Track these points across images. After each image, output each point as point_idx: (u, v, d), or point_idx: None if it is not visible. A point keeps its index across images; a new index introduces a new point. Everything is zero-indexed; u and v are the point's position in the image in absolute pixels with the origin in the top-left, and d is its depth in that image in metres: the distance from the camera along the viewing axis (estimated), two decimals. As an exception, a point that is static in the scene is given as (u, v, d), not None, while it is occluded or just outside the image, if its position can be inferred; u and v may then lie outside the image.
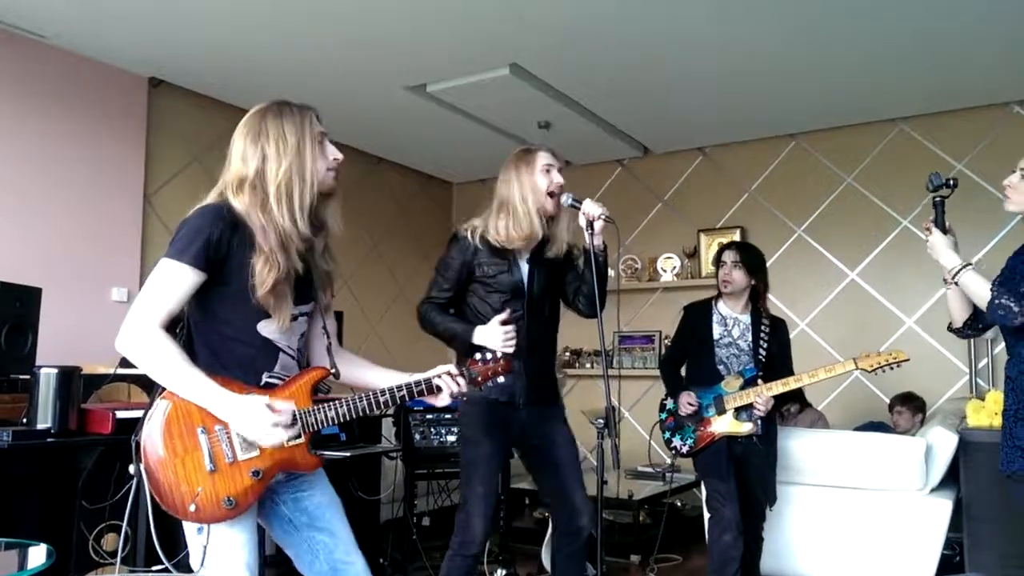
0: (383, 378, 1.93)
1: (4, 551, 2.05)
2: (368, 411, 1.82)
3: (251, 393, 1.72)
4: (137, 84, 4.27)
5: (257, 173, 1.76)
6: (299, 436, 1.75)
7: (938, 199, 2.42)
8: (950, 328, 2.53)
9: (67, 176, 3.93)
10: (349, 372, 1.97)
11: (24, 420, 2.62)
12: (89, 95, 4.04)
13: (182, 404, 1.68)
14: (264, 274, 1.70)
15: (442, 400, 1.89)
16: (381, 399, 1.83)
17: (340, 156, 1.88)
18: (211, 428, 1.68)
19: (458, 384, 1.88)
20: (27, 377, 2.71)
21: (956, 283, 2.35)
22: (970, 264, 2.32)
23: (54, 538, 2.34)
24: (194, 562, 1.71)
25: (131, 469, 1.71)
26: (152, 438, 1.68)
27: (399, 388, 1.85)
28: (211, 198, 1.79)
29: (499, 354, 1.98)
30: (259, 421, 1.67)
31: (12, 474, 2.58)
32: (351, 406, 1.80)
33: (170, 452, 1.66)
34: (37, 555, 1.88)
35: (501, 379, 1.98)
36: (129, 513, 1.78)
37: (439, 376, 1.88)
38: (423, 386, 1.87)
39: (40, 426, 2.57)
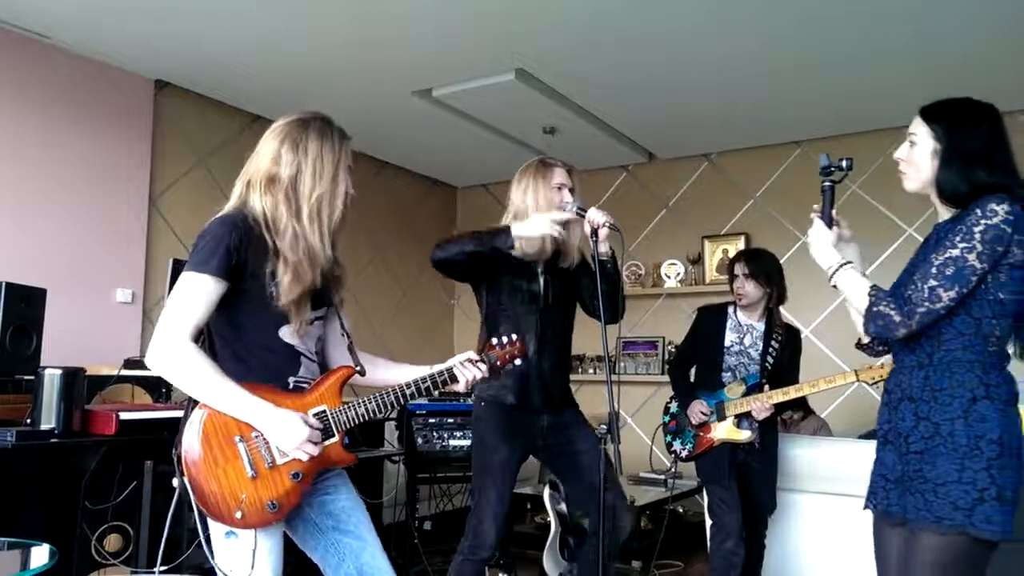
0: (402, 374, 1.97)
1: (7, 551, 2.06)
2: (396, 405, 1.87)
3: (281, 396, 1.76)
4: (143, 86, 4.29)
5: (290, 181, 1.79)
6: (333, 436, 1.80)
7: (826, 184, 2.03)
8: (858, 345, 2.16)
9: (73, 178, 3.95)
10: (369, 372, 1.99)
11: (28, 421, 2.63)
12: (95, 97, 4.06)
13: (217, 414, 1.71)
14: (291, 284, 1.74)
15: (460, 386, 1.92)
16: (408, 391, 1.88)
17: (353, 192, 1.91)
18: (248, 436, 1.71)
19: (479, 370, 1.92)
20: (31, 378, 2.72)
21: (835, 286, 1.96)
22: (849, 263, 1.94)
23: (57, 538, 2.34)
24: (222, 568, 1.73)
25: (174, 482, 1.72)
26: (192, 450, 1.70)
27: (423, 380, 1.89)
28: (234, 195, 1.83)
29: (514, 337, 2.02)
30: (295, 435, 1.70)
31: (16, 474, 2.59)
32: (380, 401, 1.84)
33: (211, 462, 1.69)
34: (40, 555, 1.88)
35: (518, 361, 2.02)
36: (171, 522, 1.79)
37: (459, 365, 1.92)
38: (446, 375, 1.91)
39: (44, 427, 2.58)
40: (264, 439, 1.72)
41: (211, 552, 1.76)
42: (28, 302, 2.87)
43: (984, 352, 1.75)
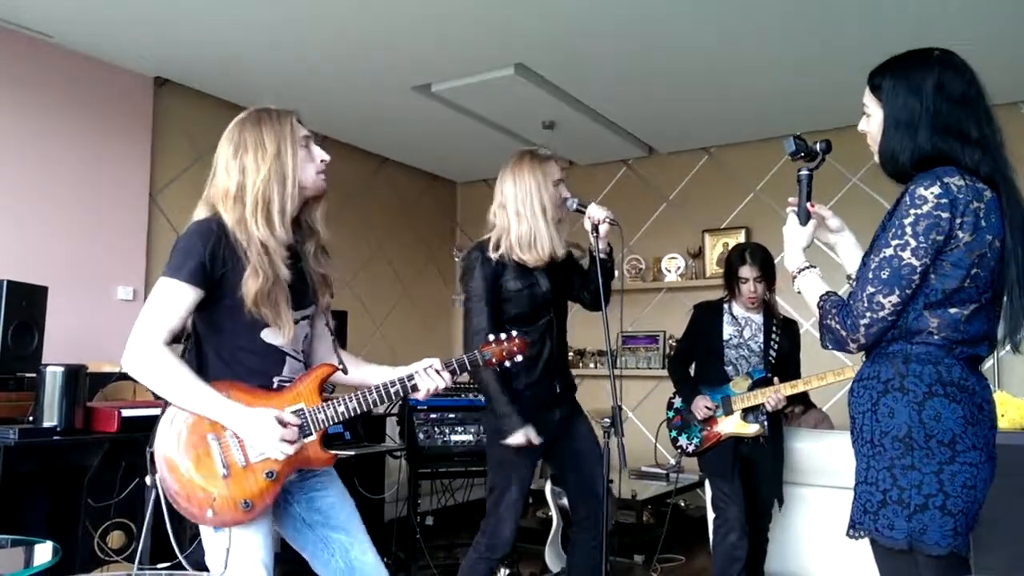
0: (380, 375, 1.96)
1: (10, 548, 2.06)
2: (377, 403, 1.85)
3: (257, 395, 1.75)
4: (142, 83, 4.28)
5: (239, 186, 1.77)
6: (311, 434, 1.78)
7: (802, 173, 1.76)
8: None
9: (73, 175, 3.95)
10: (349, 371, 1.98)
11: (30, 418, 2.64)
12: (94, 95, 4.05)
13: (192, 413, 1.71)
14: (247, 285, 1.71)
15: (420, 395, 1.89)
16: (392, 390, 1.86)
17: (327, 157, 1.88)
18: (221, 434, 1.71)
19: (442, 379, 1.89)
20: (33, 375, 2.72)
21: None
22: (812, 266, 1.74)
23: (59, 536, 2.35)
24: (212, 563, 1.73)
25: (147, 480, 1.73)
26: (166, 448, 1.71)
27: (392, 383, 1.87)
28: (202, 211, 1.81)
29: (514, 334, 2.01)
30: (268, 434, 1.69)
31: (18, 472, 2.59)
32: (360, 400, 1.82)
33: (184, 461, 1.69)
34: (43, 552, 1.89)
35: (519, 358, 2.00)
36: (148, 523, 1.79)
37: (422, 372, 1.89)
38: (408, 384, 1.88)
39: (46, 424, 2.58)
40: (237, 438, 1.71)
41: (179, 550, 1.76)
42: (29, 300, 2.87)
43: (909, 343, 1.57)
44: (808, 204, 1.76)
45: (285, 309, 1.76)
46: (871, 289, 1.55)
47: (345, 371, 1.92)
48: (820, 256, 1.78)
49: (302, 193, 1.83)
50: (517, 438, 2.41)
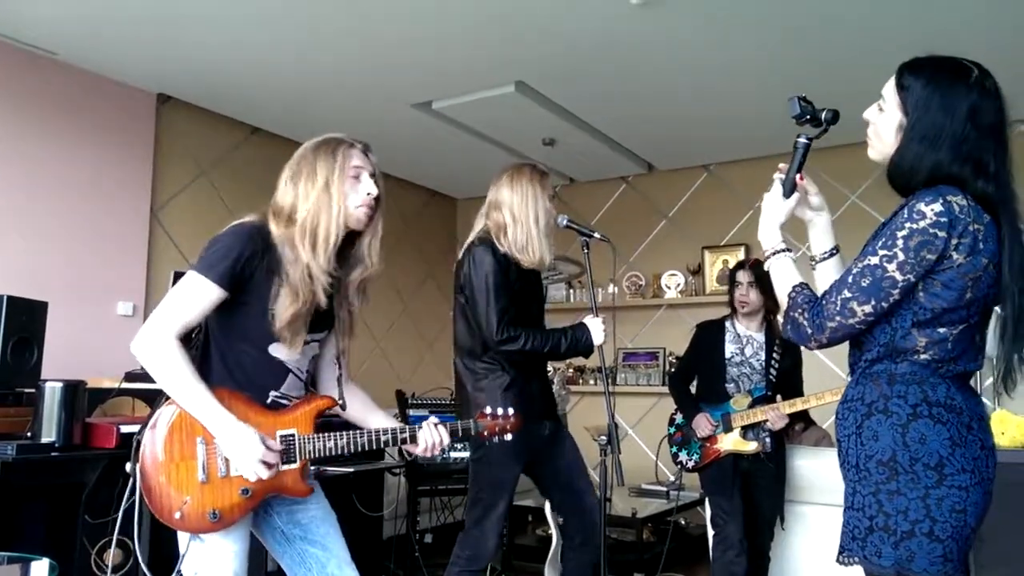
0: (378, 420, 1.98)
1: (7, 565, 2.05)
2: (365, 447, 1.85)
3: (255, 410, 1.75)
4: (145, 100, 4.31)
5: (291, 207, 1.81)
6: (294, 462, 1.77)
7: (800, 141, 1.69)
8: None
9: (74, 191, 3.96)
10: (350, 407, 1.99)
11: (29, 434, 2.63)
12: (98, 111, 4.07)
13: (187, 412, 1.71)
14: (284, 307, 1.74)
15: (419, 449, 1.91)
16: (382, 438, 1.87)
17: (374, 191, 1.92)
18: (210, 440, 1.71)
19: (440, 434, 1.90)
20: (32, 391, 2.72)
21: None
22: (787, 250, 1.67)
23: (57, 552, 2.34)
24: (190, 568, 1.73)
25: (127, 467, 1.73)
26: (153, 439, 1.70)
27: (384, 431, 1.89)
28: (254, 215, 1.84)
29: (510, 411, 2.01)
30: (248, 453, 1.69)
31: (16, 488, 2.58)
32: (349, 440, 1.83)
33: (167, 456, 1.70)
34: (40, 569, 1.88)
35: (508, 436, 2.00)
36: (138, 523, 1.78)
37: (424, 426, 1.91)
38: (407, 435, 1.90)
39: (44, 440, 2.58)
40: None
41: (139, 549, 1.77)
42: (29, 315, 2.87)
43: (894, 362, 1.53)
44: (797, 175, 1.68)
45: (300, 330, 1.79)
46: (847, 294, 1.51)
47: (344, 407, 1.94)
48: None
49: (345, 224, 1.85)
50: (596, 326, 2.53)
